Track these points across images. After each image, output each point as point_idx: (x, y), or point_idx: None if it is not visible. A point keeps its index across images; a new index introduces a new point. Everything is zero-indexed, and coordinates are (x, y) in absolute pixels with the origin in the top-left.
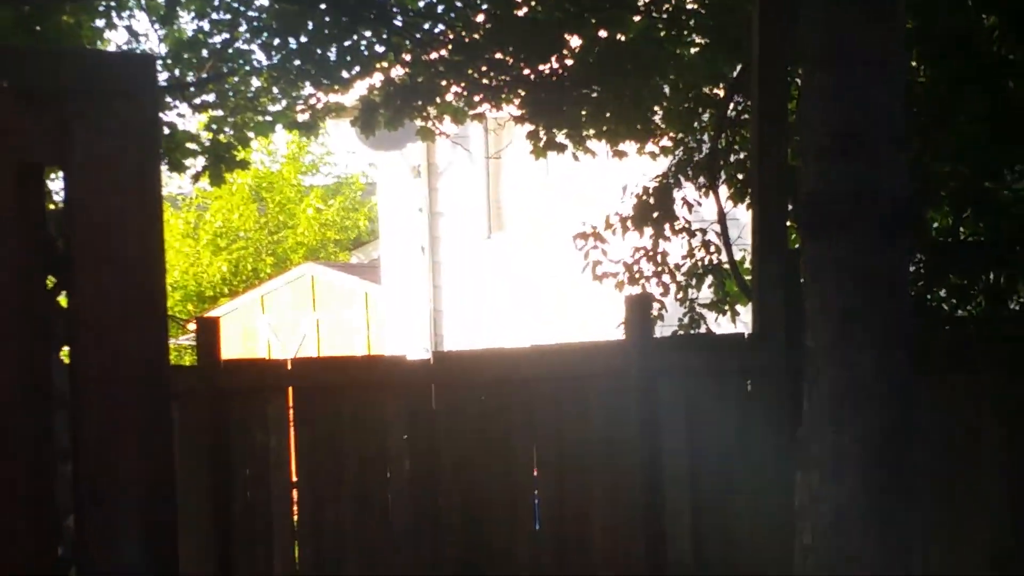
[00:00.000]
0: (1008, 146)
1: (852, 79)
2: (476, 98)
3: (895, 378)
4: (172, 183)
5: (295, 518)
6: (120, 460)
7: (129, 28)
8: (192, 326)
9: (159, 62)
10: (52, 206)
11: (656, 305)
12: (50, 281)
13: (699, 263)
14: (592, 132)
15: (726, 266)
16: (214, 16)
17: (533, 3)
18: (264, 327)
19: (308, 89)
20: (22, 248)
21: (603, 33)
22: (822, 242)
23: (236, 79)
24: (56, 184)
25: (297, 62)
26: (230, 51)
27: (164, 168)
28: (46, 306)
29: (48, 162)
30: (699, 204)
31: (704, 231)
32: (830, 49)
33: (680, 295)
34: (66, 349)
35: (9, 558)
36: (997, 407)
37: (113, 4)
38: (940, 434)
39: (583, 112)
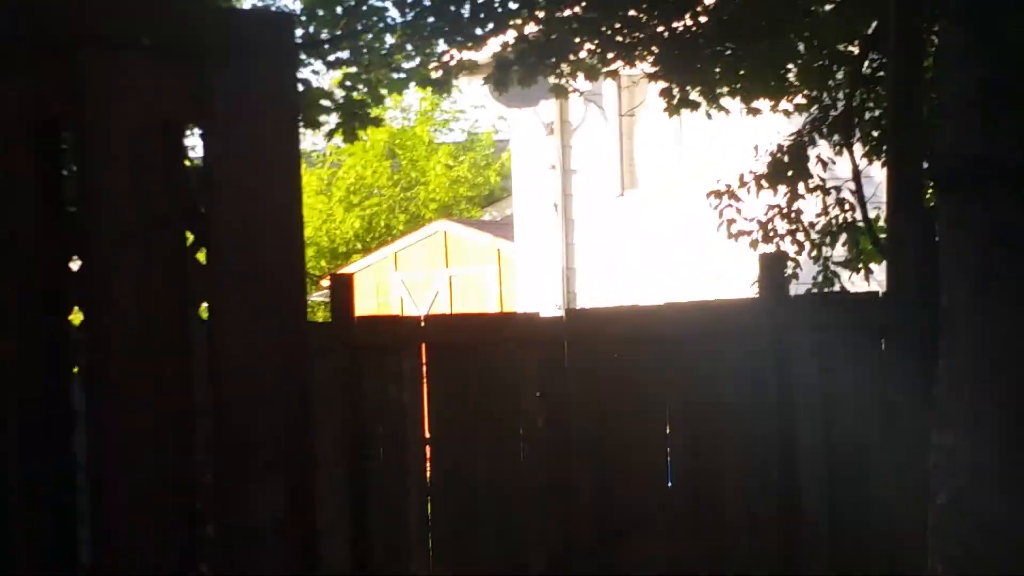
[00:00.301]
0: None
1: (994, 33)
2: (609, 55)
3: None
4: (306, 140)
5: (428, 475)
6: (259, 417)
7: None
8: (326, 282)
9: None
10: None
11: (790, 263)
12: (189, 237)
13: (833, 221)
14: (726, 89)
15: (860, 224)
16: None
17: None
18: (397, 284)
19: (441, 46)
20: (164, 204)
21: None
22: (959, 200)
23: (370, 36)
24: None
25: (431, 19)
26: (364, 8)
27: (299, 125)
28: (184, 262)
29: (189, 120)
30: (833, 162)
31: (839, 189)
32: (971, 2)
33: (814, 253)
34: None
35: (151, 511)
36: None
37: None
38: None
39: (717, 69)
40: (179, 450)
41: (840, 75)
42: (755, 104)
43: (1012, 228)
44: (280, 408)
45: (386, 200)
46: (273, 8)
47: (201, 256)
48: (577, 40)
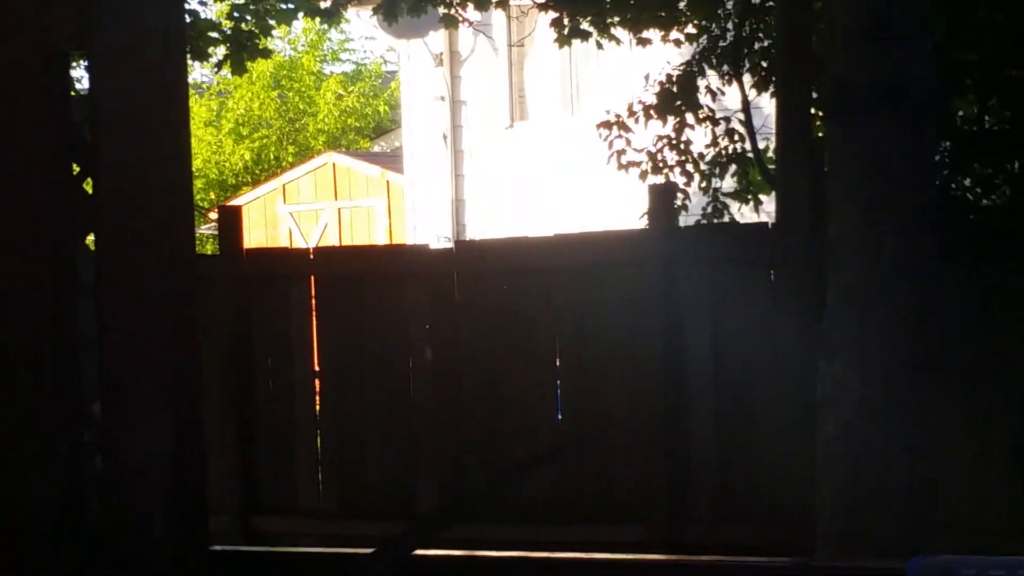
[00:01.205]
0: None
1: None
2: None
3: (920, 265)
4: (194, 71)
5: (317, 407)
6: (145, 347)
7: None
8: (214, 215)
9: None
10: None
11: (679, 194)
12: (75, 168)
13: (723, 152)
14: (616, 19)
15: (750, 155)
16: None
17: None
18: (286, 216)
19: None
20: (48, 135)
21: None
22: (849, 129)
23: None
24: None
25: None
26: None
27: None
28: (71, 193)
29: (72, 49)
30: (723, 93)
31: (728, 120)
32: None
33: (703, 184)
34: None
35: (35, 440)
36: (1021, 298)
37: None
38: (963, 323)
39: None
40: (65, 381)
41: (730, 5)
42: (645, 34)
43: (901, 158)
44: (168, 340)
45: (275, 132)
46: None
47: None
48: None
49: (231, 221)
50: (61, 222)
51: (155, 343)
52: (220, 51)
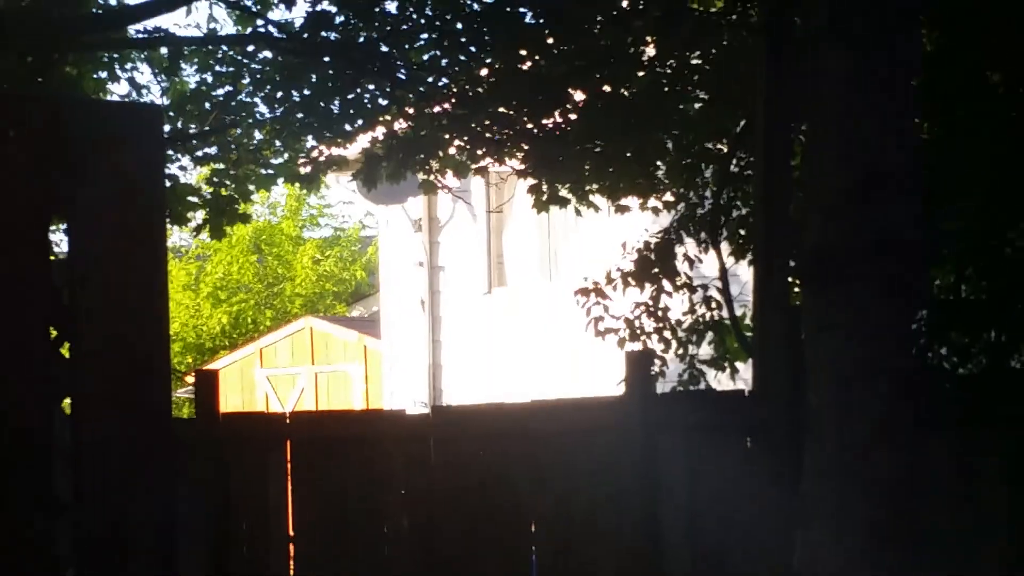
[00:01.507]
0: (1011, 204)
1: (867, 129)
2: (479, 151)
3: (901, 433)
4: (173, 235)
5: (292, 572)
6: (123, 513)
7: (131, 80)
8: (191, 379)
9: None
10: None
11: (657, 361)
12: (53, 332)
13: (700, 319)
14: (595, 186)
15: (727, 322)
16: (217, 68)
17: (537, 57)
18: (262, 380)
19: (310, 142)
20: (32, 299)
21: (607, 88)
22: (828, 296)
23: (238, 131)
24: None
25: (300, 114)
26: (233, 103)
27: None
28: (49, 357)
29: (54, 213)
30: (700, 260)
31: (705, 287)
32: (846, 98)
33: (680, 351)
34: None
35: None
36: (1003, 464)
37: (116, 56)
38: (946, 490)
39: (586, 166)
40: (40, 546)
41: (708, 173)
42: (624, 201)
43: (882, 324)
44: (145, 504)
45: (253, 296)
46: (140, 101)
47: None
48: (446, 136)
49: (208, 385)
50: (42, 387)
51: (133, 509)
52: (199, 215)
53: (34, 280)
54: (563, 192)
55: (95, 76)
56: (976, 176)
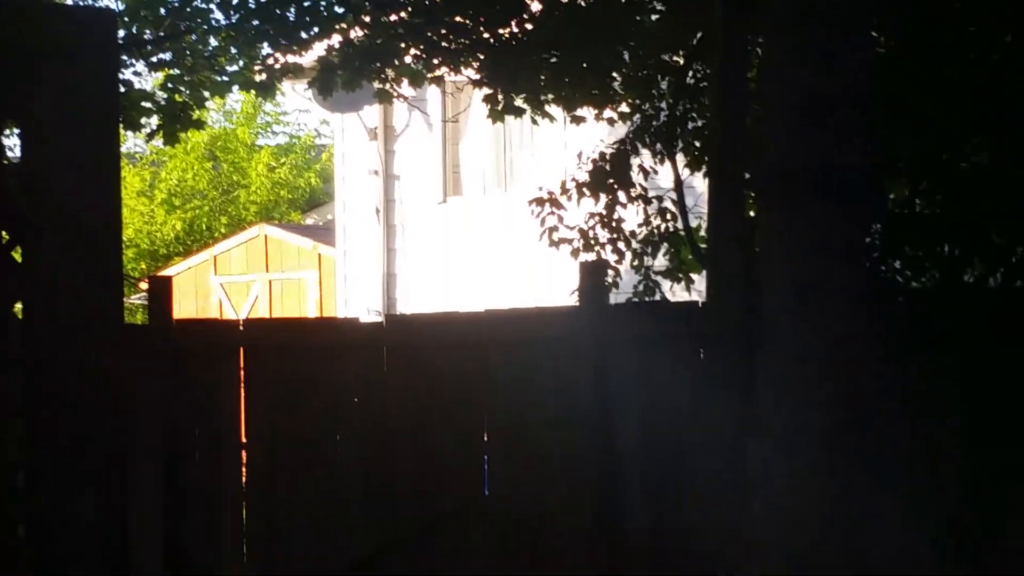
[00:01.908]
0: (965, 117)
1: (820, 44)
2: (435, 61)
3: (854, 348)
4: (127, 141)
5: (244, 479)
6: (73, 417)
7: None
8: (145, 285)
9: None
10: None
11: (611, 272)
12: (4, 236)
13: (655, 231)
14: (551, 96)
15: (682, 234)
16: None
17: None
18: (216, 287)
19: (266, 49)
20: None
21: None
22: (785, 213)
23: (194, 38)
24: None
25: (256, 22)
26: (188, 9)
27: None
28: (2, 261)
29: (6, 117)
30: (655, 172)
31: (660, 199)
32: (798, 12)
33: (635, 263)
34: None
35: None
36: (957, 381)
37: None
38: (898, 406)
39: (542, 76)
40: None
41: (664, 85)
42: (579, 112)
43: (836, 241)
44: (96, 413)
45: (208, 203)
46: (95, 6)
47: (17, 255)
48: (402, 45)
49: (161, 292)
50: None
51: (82, 413)
52: (153, 121)
53: None
54: (519, 102)
55: None
56: (931, 90)
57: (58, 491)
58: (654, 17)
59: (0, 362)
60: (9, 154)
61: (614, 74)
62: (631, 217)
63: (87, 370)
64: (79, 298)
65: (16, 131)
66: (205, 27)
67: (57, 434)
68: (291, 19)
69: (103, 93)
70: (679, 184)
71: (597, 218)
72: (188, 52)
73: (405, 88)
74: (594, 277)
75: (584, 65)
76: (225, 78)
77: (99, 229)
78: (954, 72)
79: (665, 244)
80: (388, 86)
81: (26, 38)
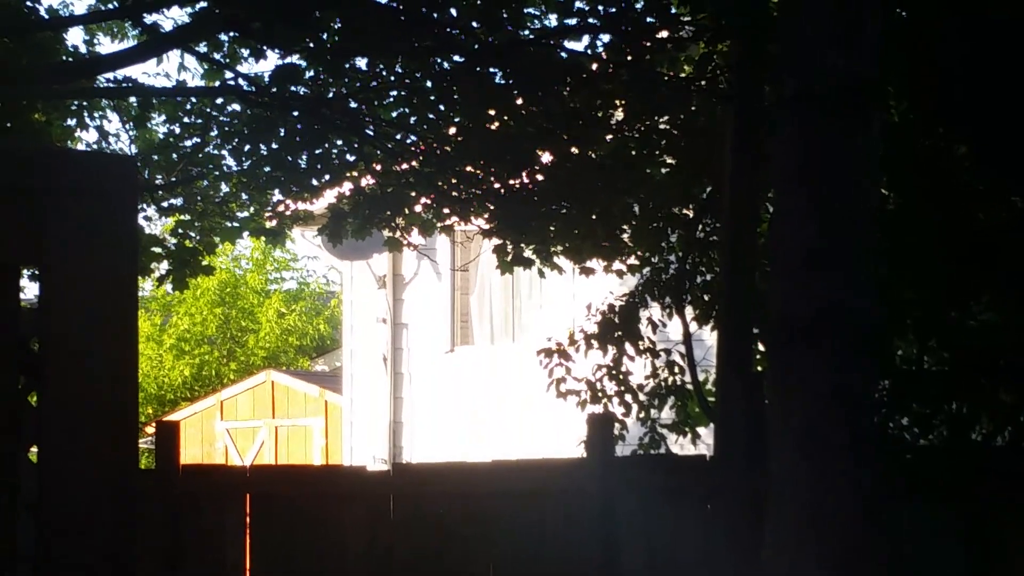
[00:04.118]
0: (974, 276)
1: (825, 197)
2: (445, 210)
3: (860, 499)
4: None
5: None
6: (83, 563)
7: (99, 128)
8: (151, 430)
9: None
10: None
11: (617, 424)
12: (20, 380)
13: (662, 383)
14: (560, 248)
15: (689, 387)
16: (185, 120)
17: (506, 117)
18: (223, 432)
19: (277, 196)
20: None
21: (575, 150)
22: (790, 360)
23: (205, 183)
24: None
25: (267, 168)
26: (200, 155)
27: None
28: (16, 405)
29: (23, 262)
30: (664, 325)
31: (668, 351)
32: (804, 167)
33: (642, 415)
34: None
35: None
36: (962, 535)
37: (84, 104)
38: (903, 560)
39: (551, 227)
40: None
41: (674, 238)
42: (588, 264)
43: (841, 389)
44: (106, 554)
45: (217, 348)
46: (114, 152)
47: (32, 399)
48: (413, 194)
49: (168, 436)
50: (7, 435)
51: (93, 558)
52: (163, 266)
53: (3, 328)
54: (528, 253)
55: (64, 124)
56: (938, 246)
57: None
58: (664, 170)
59: (12, 505)
60: (26, 297)
61: (623, 226)
62: (638, 369)
63: (99, 515)
64: (94, 443)
65: (32, 273)
66: (216, 173)
67: None
68: (302, 166)
69: (122, 239)
70: (688, 337)
71: (605, 370)
72: (199, 197)
73: (415, 236)
74: (601, 429)
75: (594, 216)
76: (236, 224)
77: (116, 372)
78: (963, 229)
79: (672, 397)
80: (398, 234)
81: (41, 183)
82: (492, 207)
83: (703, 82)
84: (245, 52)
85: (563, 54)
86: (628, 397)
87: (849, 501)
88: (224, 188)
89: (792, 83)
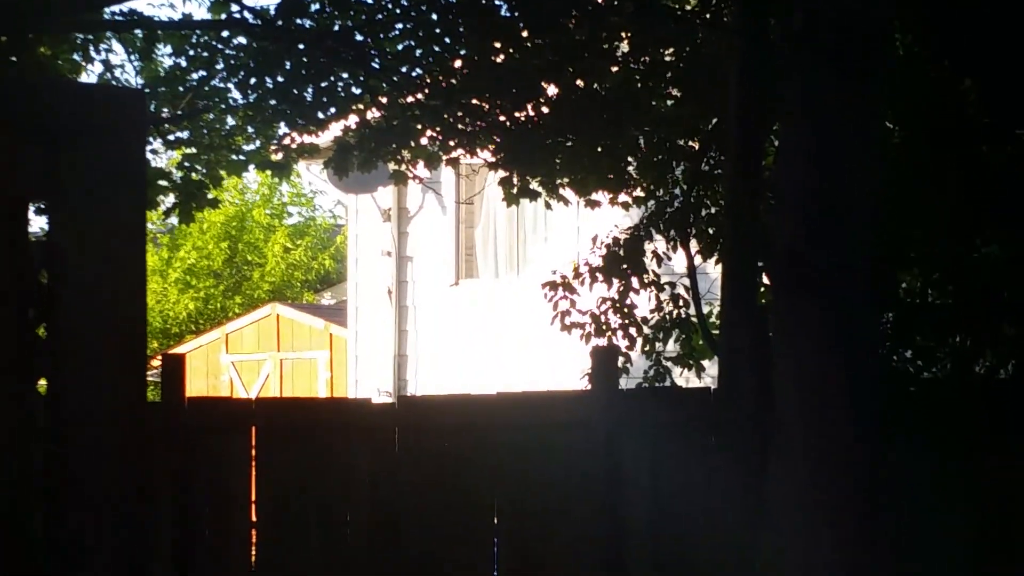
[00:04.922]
0: (978, 210)
1: (831, 139)
2: (451, 143)
3: (866, 439)
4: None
5: (252, 559)
6: (97, 496)
7: (105, 62)
8: (157, 363)
9: None
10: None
11: (622, 357)
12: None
13: (667, 316)
14: (565, 180)
15: (694, 320)
16: (191, 53)
17: (511, 50)
18: (228, 365)
19: (283, 129)
20: (7, 280)
21: (580, 83)
22: (798, 301)
23: (211, 116)
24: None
25: (273, 101)
26: (206, 88)
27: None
28: (26, 337)
29: (35, 196)
30: (669, 258)
31: (673, 285)
32: (810, 107)
33: (646, 348)
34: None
35: None
36: (962, 471)
37: (90, 37)
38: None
39: (557, 160)
40: (17, 528)
41: (679, 171)
42: (594, 196)
43: (849, 332)
44: (120, 489)
45: (222, 282)
46: (124, 86)
47: (42, 331)
48: (418, 127)
49: (174, 369)
50: (16, 367)
51: (107, 492)
52: (169, 199)
53: (12, 260)
54: (534, 185)
55: (69, 57)
56: (942, 180)
57: (76, 559)
58: (669, 103)
59: (24, 435)
60: (35, 230)
61: (629, 159)
62: (643, 302)
63: (110, 446)
64: (103, 374)
65: (42, 206)
66: (223, 106)
67: (81, 510)
68: (308, 99)
69: (132, 173)
70: (692, 270)
71: (609, 303)
72: (205, 130)
73: (420, 170)
74: (606, 362)
75: (599, 149)
76: (242, 157)
77: (125, 306)
78: (967, 164)
79: (677, 330)
80: (403, 167)
81: (54, 117)
82: (498, 140)
83: (708, 14)
84: None
85: None
86: (632, 330)
87: (858, 442)
88: (230, 121)
89: (800, 16)
